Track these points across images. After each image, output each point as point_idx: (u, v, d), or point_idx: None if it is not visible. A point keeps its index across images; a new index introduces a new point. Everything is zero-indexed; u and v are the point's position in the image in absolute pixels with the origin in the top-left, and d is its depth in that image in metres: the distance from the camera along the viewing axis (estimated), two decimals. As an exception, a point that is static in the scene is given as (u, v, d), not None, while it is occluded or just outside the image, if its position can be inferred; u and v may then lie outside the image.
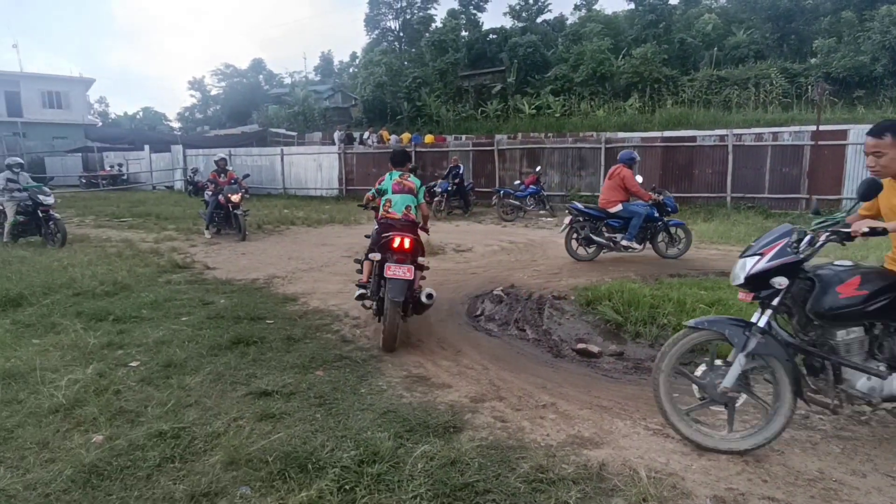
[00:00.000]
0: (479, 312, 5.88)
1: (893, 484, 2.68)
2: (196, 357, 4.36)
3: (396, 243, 4.64)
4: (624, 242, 7.97)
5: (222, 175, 11.26)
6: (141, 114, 58.27)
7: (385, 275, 4.58)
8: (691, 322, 3.09)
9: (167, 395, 3.67)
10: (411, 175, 5.32)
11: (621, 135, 18.09)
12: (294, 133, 29.47)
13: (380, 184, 5.22)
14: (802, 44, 28.07)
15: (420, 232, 5.11)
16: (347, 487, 2.65)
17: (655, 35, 29.93)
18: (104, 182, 24.55)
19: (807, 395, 2.92)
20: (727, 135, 13.97)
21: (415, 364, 4.34)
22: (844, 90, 23.54)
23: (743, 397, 2.98)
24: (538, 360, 4.55)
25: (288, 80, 53.14)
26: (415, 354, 4.57)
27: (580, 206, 8.44)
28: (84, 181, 25.42)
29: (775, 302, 2.89)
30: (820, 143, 12.68)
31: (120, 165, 25.74)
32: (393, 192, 5.09)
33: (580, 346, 4.77)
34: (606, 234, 8.12)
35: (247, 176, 12.46)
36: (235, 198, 10.64)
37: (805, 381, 2.91)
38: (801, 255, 2.89)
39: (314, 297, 6.42)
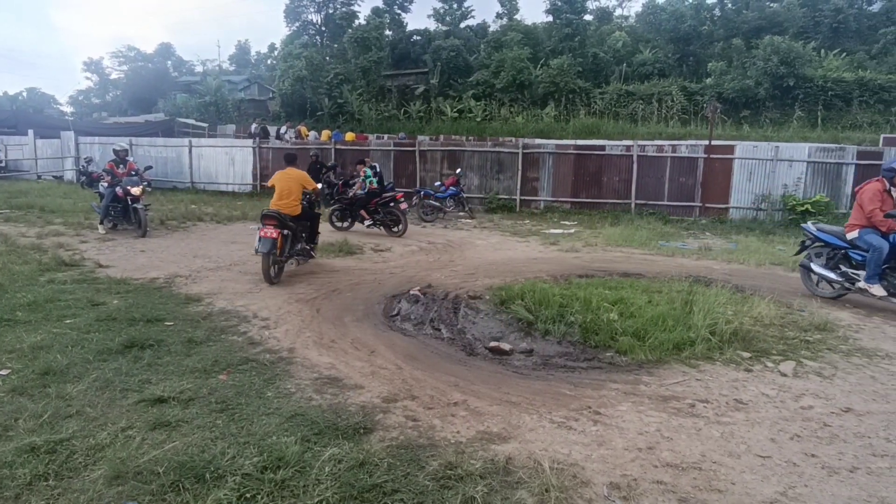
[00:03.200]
0: (395, 312, 5.85)
1: (763, 464, 2.98)
2: (81, 363, 3.97)
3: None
4: (861, 284, 6.17)
5: (121, 166, 10.36)
6: (25, 94, 52.29)
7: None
8: None
9: (43, 405, 3.31)
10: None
11: (538, 141, 18.80)
12: (205, 124, 27.76)
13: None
14: (699, 65, 30.67)
15: None
16: (248, 496, 2.54)
17: (571, 48, 31.40)
18: (-24, 169, 21.72)
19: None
20: (633, 146, 14.94)
21: (326, 366, 4.23)
22: (733, 109, 26.02)
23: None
24: (452, 359, 4.59)
25: (199, 69, 50.12)
26: (327, 356, 4.45)
27: (812, 228, 6.81)
28: (-50, 168, 22.33)
29: None
30: (712, 156, 13.92)
31: (-3, 151, 22.88)
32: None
33: (493, 344, 4.88)
34: (843, 269, 6.43)
35: (149, 168, 11.55)
36: (135, 190, 9.83)
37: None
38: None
39: (220, 297, 6.08)
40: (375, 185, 11.24)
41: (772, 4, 33.71)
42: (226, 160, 18.64)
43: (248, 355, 4.35)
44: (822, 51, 28.16)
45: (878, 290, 6.05)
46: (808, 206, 12.73)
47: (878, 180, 6.21)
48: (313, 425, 3.22)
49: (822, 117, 24.30)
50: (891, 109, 23.66)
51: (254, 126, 22.16)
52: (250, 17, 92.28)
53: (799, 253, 7.05)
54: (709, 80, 27.31)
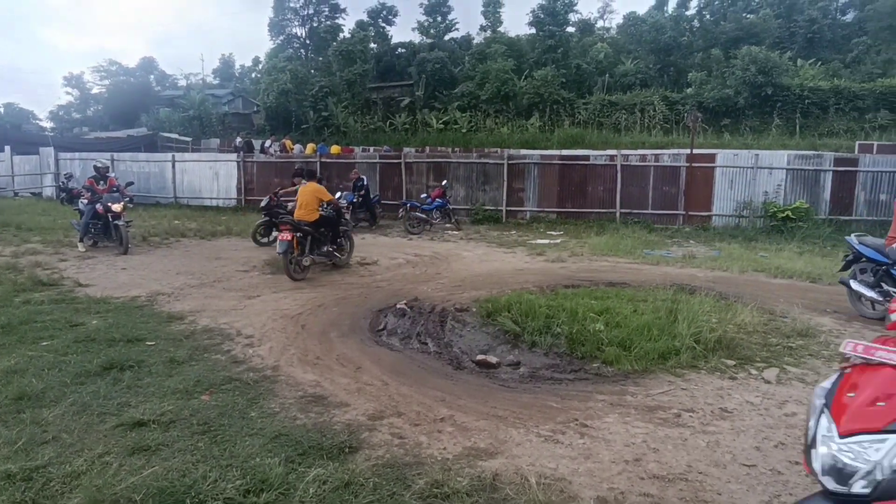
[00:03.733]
0: (381, 327, 5.80)
1: (749, 473, 2.99)
2: (57, 387, 3.87)
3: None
4: None
5: (101, 182, 10.23)
6: (2, 110, 51.53)
7: None
8: None
9: (17, 432, 3.22)
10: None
11: (523, 152, 18.94)
12: (189, 138, 27.59)
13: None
14: (680, 75, 31.24)
15: None
16: (230, 521, 2.48)
17: (554, 59, 31.81)
18: (-49, 187, 21.27)
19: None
20: (616, 155, 15.10)
21: (311, 383, 4.17)
22: (714, 118, 26.47)
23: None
24: (439, 373, 4.56)
25: (183, 82, 49.86)
26: (312, 373, 4.40)
27: (855, 241, 6.24)
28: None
29: None
30: (694, 164, 14.12)
31: (-27, 168, 22.45)
32: None
33: (479, 357, 4.86)
34: (885, 287, 5.84)
35: (130, 184, 11.43)
36: (116, 207, 9.69)
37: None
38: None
39: (204, 314, 5.99)
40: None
41: (748, 16, 34.54)
42: (210, 174, 18.49)
43: (232, 374, 4.28)
44: (798, 60, 28.85)
45: None
46: (789, 213, 12.93)
47: None
48: (297, 445, 3.17)
49: (800, 125, 24.83)
50: (865, 117, 24.27)
51: (238, 140, 22.08)
52: (234, 30, 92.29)
53: (844, 269, 6.44)
54: (689, 90, 27.82)
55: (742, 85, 25.87)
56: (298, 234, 7.99)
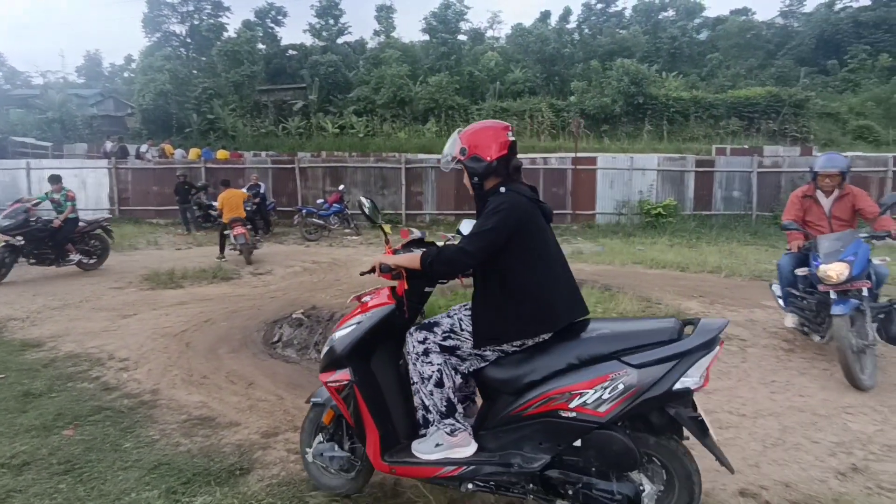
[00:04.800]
0: (276, 339, 5.53)
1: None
2: None
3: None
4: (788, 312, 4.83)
5: (-70, 193, 8.72)
6: None
7: None
8: None
9: None
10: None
11: (421, 156, 19.10)
12: (48, 143, 24.50)
13: None
14: (564, 84, 33.30)
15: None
16: (97, 568, 2.20)
17: (448, 66, 32.53)
18: None
19: None
20: (509, 158, 15.75)
21: (197, 405, 3.86)
22: (594, 124, 28.55)
23: None
24: (338, 382, 4.43)
25: (39, 81, 44.25)
26: (198, 394, 4.07)
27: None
28: None
29: None
30: (578, 167, 15.13)
31: None
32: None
33: (380, 362, 4.79)
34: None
35: (-30, 194, 9.86)
36: (-49, 222, 8.30)
37: None
38: None
39: (68, 339, 5.33)
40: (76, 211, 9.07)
41: (621, 31, 37.80)
42: (75, 183, 16.48)
43: (102, 403, 3.84)
44: (664, 73, 32.04)
45: (788, 319, 4.81)
46: (661, 210, 14.30)
47: (807, 184, 4.87)
48: (181, 474, 2.92)
49: (668, 131, 27.53)
50: (719, 123, 27.48)
51: (109, 144, 20.02)
52: (100, 25, 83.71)
53: None
54: (573, 98, 29.70)
55: (618, 94, 28.13)
56: (248, 227, 10.17)
